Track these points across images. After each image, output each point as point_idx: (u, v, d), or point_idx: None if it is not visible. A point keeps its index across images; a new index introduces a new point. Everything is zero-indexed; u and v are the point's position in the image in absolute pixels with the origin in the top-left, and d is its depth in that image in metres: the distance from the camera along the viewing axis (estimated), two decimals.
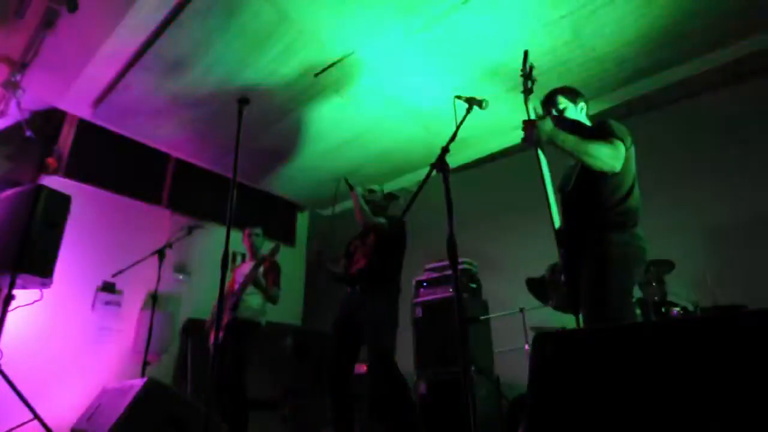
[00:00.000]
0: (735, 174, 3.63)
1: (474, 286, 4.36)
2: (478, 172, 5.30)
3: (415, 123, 4.37)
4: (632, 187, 2.06)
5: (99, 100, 4.08)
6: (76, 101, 4.10)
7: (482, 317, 4.12)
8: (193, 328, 4.37)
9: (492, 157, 4.95)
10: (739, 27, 3.29)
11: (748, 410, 0.88)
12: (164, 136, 4.56)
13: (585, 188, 2.08)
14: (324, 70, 3.65)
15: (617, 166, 1.95)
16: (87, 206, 4.28)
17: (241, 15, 3.17)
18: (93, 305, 4.14)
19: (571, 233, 2.07)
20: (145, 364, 3.44)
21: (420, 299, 4.35)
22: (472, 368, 3.82)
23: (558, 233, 2.08)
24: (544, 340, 1.21)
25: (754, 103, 3.65)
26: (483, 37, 3.36)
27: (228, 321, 3.40)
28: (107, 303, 4.22)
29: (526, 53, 2.34)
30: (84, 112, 4.24)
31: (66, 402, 3.56)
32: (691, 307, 3.19)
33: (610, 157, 1.94)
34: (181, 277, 4.49)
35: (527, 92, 2.28)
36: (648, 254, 2.04)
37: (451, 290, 4.22)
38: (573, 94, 2.28)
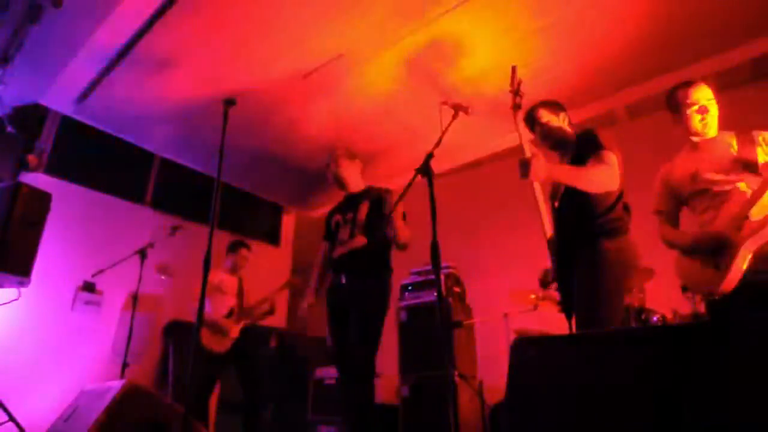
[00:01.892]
0: None
1: (458, 290, 4.38)
2: (465, 177, 5.33)
3: (402, 126, 4.39)
4: (621, 194, 2.09)
5: (83, 97, 4.02)
6: (59, 97, 4.03)
7: (466, 322, 4.14)
8: (176, 330, 4.32)
9: (479, 163, 5.00)
10: (705, 47, 3.40)
11: (718, 416, 0.90)
12: (149, 134, 4.51)
13: (575, 197, 2.08)
14: (313, 71, 3.65)
15: (615, 185, 1.98)
16: (68, 204, 4.21)
17: (228, 14, 3.16)
18: (73, 305, 4.08)
19: (563, 242, 2.09)
20: (125, 365, 3.39)
21: (405, 303, 4.36)
22: (455, 372, 3.84)
23: (550, 242, 2.11)
24: (523, 345, 1.24)
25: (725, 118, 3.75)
26: (467, 47, 3.41)
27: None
28: (87, 303, 4.16)
29: (514, 69, 2.35)
30: (67, 108, 4.17)
31: (43, 403, 3.48)
32: (670, 315, 3.25)
33: (608, 178, 1.95)
34: (163, 277, 4.43)
35: (516, 107, 2.28)
36: (638, 259, 2.08)
37: (435, 294, 4.24)
38: (554, 108, 2.29)
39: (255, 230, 5.72)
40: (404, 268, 4.60)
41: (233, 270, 3.96)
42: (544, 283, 2.31)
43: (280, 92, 3.87)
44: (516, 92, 2.31)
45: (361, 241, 2.59)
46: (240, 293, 3.84)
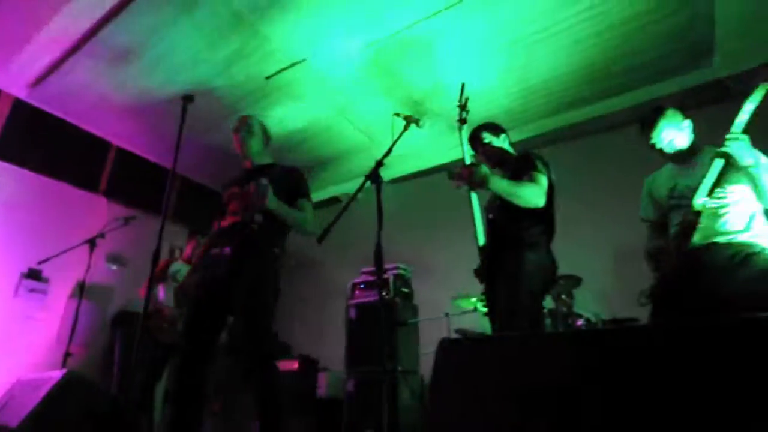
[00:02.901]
0: (635, 201, 3.91)
1: (406, 290, 4.42)
2: (417, 184, 5.39)
3: (360, 132, 4.38)
4: (547, 212, 2.13)
5: (38, 81, 3.78)
6: (13, 80, 3.77)
7: (411, 321, 4.18)
8: (124, 320, 4.12)
9: (431, 171, 5.05)
10: (636, 79, 3.59)
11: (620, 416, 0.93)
12: (106, 123, 4.30)
13: (506, 210, 2.13)
14: (276, 73, 3.59)
15: (540, 203, 2.01)
16: (17, 189, 3.94)
17: (196, 12, 3.06)
18: (16, 292, 3.81)
19: (492, 250, 2.15)
20: (67, 355, 3.20)
21: (354, 301, 4.35)
22: (398, 368, 3.86)
23: (481, 249, 2.17)
24: (446, 346, 1.25)
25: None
26: (424, 61, 3.45)
27: None
28: (32, 290, 3.89)
29: (462, 86, 2.40)
30: (20, 92, 3.91)
31: None
32: (593, 319, 3.39)
33: (535, 196, 2.00)
34: (114, 267, 4.22)
35: (462, 122, 2.34)
36: (557, 272, 2.16)
37: (384, 293, 4.26)
38: (495, 129, 2.36)
39: (212, 224, 5.56)
40: (355, 268, 4.60)
41: (190, 260, 3.81)
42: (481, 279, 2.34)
43: (240, 92, 3.79)
44: (463, 107, 2.38)
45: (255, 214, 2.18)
46: None
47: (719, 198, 1.85)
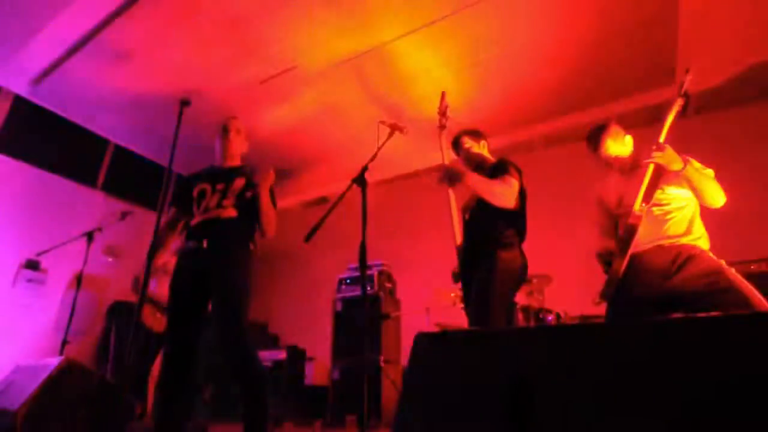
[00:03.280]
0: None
1: (390, 286, 4.54)
2: (401, 185, 5.49)
3: (347, 135, 4.45)
4: (520, 214, 2.24)
5: (39, 79, 3.80)
6: (15, 77, 3.78)
7: (393, 314, 4.30)
8: (119, 310, 4.18)
9: (414, 174, 5.14)
10: (607, 94, 3.72)
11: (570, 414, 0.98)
12: (105, 122, 4.33)
13: (482, 213, 2.24)
14: (269, 79, 3.66)
15: (511, 203, 2.12)
16: (17, 182, 3.96)
17: (191, 17, 3.12)
18: (14, 282, 3.84)
19: (468, 248, 2.24)
20: (65, 343, 3.25)
21: (341, 295, 4.45)
22: (381, 358, 3.99)
23: (458, 248, 2.26)
24: (421, 340, 1.32)
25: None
26: (408, 72, 3.56)
27: None
28: (30, 281, 3.93)
29: (443, 94, 2.49)
30: (22, 89, 3.92)
31: None
32: (562, 315, 3.55)
33: (506, 196, 2.11)
34: (110, 259, 4.26)
35: (441, 127, 2.43)
36: (527, 270, 2.26)
37: (369, 288, 4.37)
38: (476, 135, 2.46)
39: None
40: (342, 263, 4.70)
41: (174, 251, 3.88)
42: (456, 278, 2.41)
43: (235, 95, 3.84)
44: (443, 114, 2.46)
45: (230, 212, 2.24)
46: None
47: (663, 204, 1.99)
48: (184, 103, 2.38)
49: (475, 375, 1.15)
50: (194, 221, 2.26)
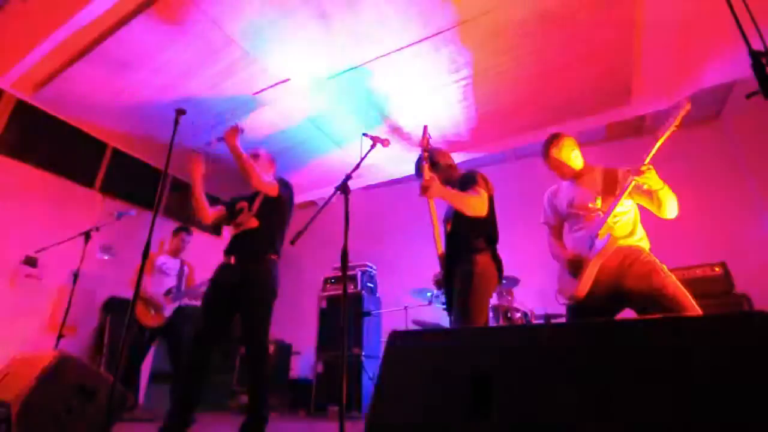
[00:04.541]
0: None
1: (371, 285, 4.55)
2: (384, 192, 5.52)
3: (334, 144, 4.47)
4: (491, 222, 2.28)
5: (42, 84, 3.71)
6: (18, 82, 3.68)
7: (374, 311, 4.31)
8: (113, 306, 4.09)
9: (395, 182, 5.17)
10: (572, 112, 3.80)
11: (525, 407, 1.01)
12: (104, 126, 4.24)
13: (459, 222, 2.26)
14: (262, 90, 3.65)
15: (483, 212, 2.15)
16: (18, 182, 3.86)
17: (189, 32, 3.09)
18: (12, 277, 3.74)
19: (449, 256, 2.26)
20: (60, 337, 3.18)
21: (326, 293, 4.45)
22: (363, 353, 3.99)
23: (441, 257, 2.26)
24: (395, 337, 1.34)
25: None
26: (390, 88, 3.58)
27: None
28: (27, 276, 3.83)
29: (425, 128, 2.44)
30: (24, 93, 3.82)
31: None
32: (528, 314, 3.61)
33: (478, 207, 2.14)
34: (106, 257, 4.18)
35: (425, 159, 2.33)
36: (502, 272, 2.29)
37: (352, 287, 4.38)
38: (440, 154, 2.50)
39: (202, 224, 5.56)
40: (328, 264, 4.70)
41: (175, 253, 3.84)
42: (438, 285, 2.43)
43: (230, 104, 3.82)
44: (425, 148, 2.39)
45: (254, 222, 2.56)
46: (180, 275, 3.73)
47: (621, 213, 2.06)
48: (180, 111, 2.38)
49: (442, 369, 1.18)
50: (232, 234, 2.59)
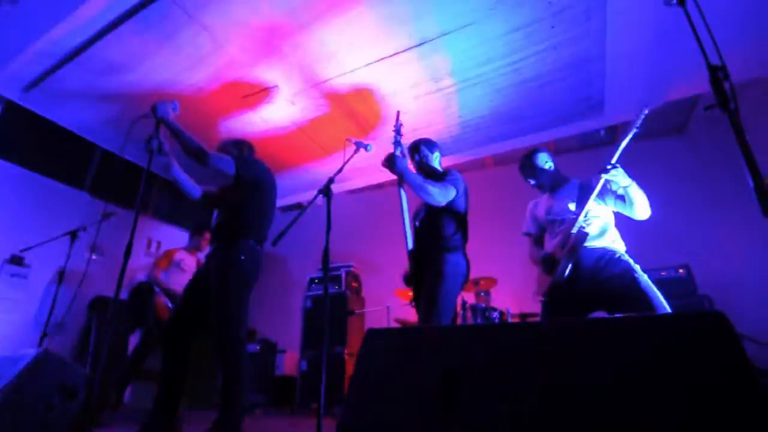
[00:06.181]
0: None
1: (356, 285, 4.52)
2: (367, 195, 5.50)
3: (320, 148, 4.41)
4: (463, 222, 2.27)
5: (31, 86, 3.60)
6: (7, 83, 3.57)
7: (358, 311, 4.28)
8: (100, 305, 3.98)
9: (378, 186, 5.15)
10: (543, 123, 3.84)
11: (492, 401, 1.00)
12: (92, 128, 4.13)
13: (430, 221, 2.26)
14: (250, 95, 3.60)
15: (442, 202, 2.16)
16: (6, 182, 3.74)
17: (178, 37, 3.03)
18: None
19: (418, 253, 2.24)
20: (44, 335, 3.07)
21: (310, 293, 4.41)
22: (346, 350, 3.95)
23: (409, 253, 2.26)
24: (371, 336, 1.31)
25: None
26: (374, 96, 3.58)
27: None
28: (13, 275, 3.70)
29: (398, 113, 2.55)
30: (13, 95, 3.70)
31: None
32: (505, 313, 3.62)
33: (438, 194, 2.14)
34: (94, 257, 4.06)
35: (396, 144, 2.43)
36: (470, 271, 2.28)
37: (337, 287, 4.34)
38: (431, 145, 2.50)
39: (189, 221, 5.45)
40: (314, 264, 4.65)
41: (195, 250, 3.73)
42: (406, 281, 2.41)
43: (219, 107, 3.75)
44: (398, 131, 2.47)
45: (220, 205, 2.47)
46: None
47: (592, 216, 2.07)
48: (154, 110, 2.34)
49: (414, 367, 1.16)
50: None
